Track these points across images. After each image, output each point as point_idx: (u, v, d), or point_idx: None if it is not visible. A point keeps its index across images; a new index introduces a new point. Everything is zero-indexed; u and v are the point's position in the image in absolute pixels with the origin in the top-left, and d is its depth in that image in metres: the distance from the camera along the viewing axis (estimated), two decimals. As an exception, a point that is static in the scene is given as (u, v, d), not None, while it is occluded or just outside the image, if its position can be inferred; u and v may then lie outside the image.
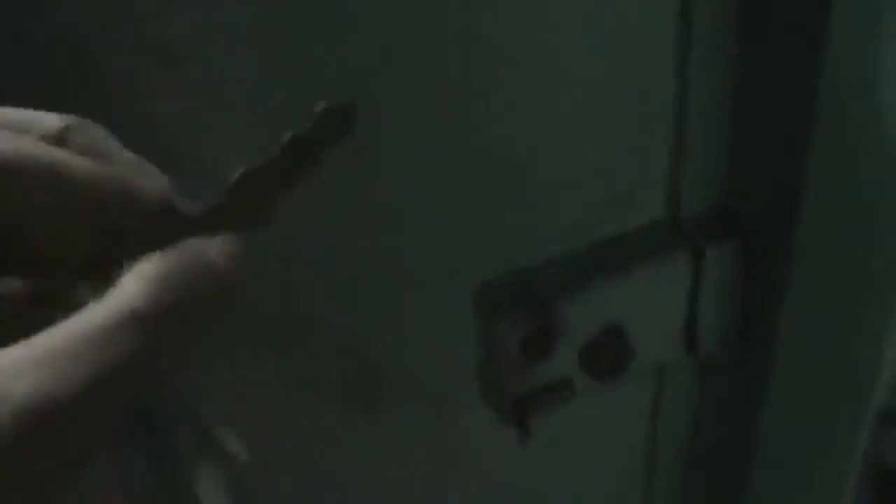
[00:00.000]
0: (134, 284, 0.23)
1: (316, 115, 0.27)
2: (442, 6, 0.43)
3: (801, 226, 0.50)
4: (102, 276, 0.24)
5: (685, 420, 0.62)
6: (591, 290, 0.52)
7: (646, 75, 0.49)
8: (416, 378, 0.58)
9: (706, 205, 0.54)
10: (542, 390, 0.51)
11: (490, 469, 0.61)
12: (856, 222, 0.49)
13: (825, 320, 0.53)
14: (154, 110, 0.41)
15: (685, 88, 0.49)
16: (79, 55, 0.39)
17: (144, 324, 0.22)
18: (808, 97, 0.46)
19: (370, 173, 0.46)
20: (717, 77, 0.49)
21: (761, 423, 0.58)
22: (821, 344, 0.54)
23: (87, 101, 0.37)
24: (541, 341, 0.50)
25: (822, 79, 0.45)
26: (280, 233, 0.28)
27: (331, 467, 0.63)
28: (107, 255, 0.25)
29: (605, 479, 0.64)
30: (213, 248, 0.25)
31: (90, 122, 0.26)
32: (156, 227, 0.26)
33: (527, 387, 0.51)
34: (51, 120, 0.25)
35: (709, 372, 0.61)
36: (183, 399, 0.63)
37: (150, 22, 0.38)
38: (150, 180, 0.27)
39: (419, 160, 0.49)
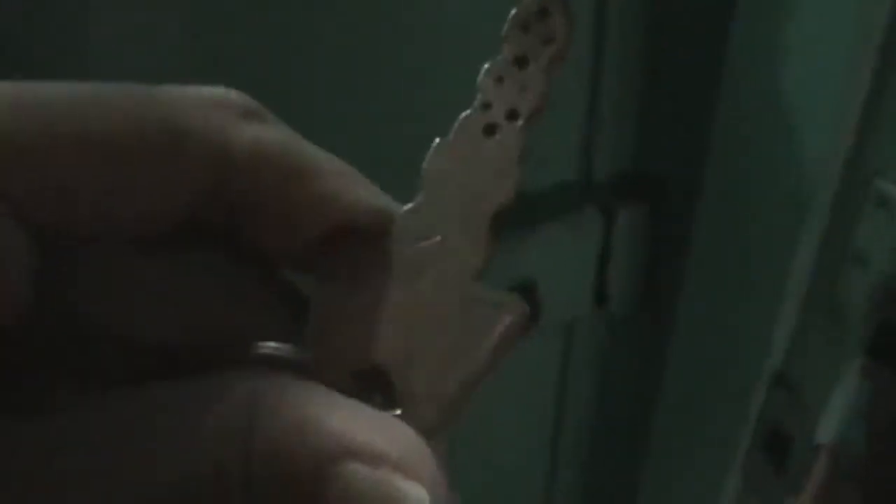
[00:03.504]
0: None
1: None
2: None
3: (705, 189, 0.52)
4: None
5: (593, 372, 0.64)
6: (503, 246, 0.53)
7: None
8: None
9: (618, 167, 0.55)
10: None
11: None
12: (756, 187, 0.50)
13: (726, 280, 0.55)
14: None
15: (600, 56, 0.49)
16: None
17: None
18: (714, 68, 0.47)
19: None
20: (631, 45, 0.49)
21: (665, 377, 0.60)
22: (721, 303, 0.56)
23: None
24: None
25: (728, 52, 0.46)
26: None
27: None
28: None
29: (515, 430, 0.66)
30: None
31: None
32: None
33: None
34: None
35: (616, 327, 0.62)
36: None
37: (67, 19, 0.37)
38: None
39: (333, 150, 0.49)
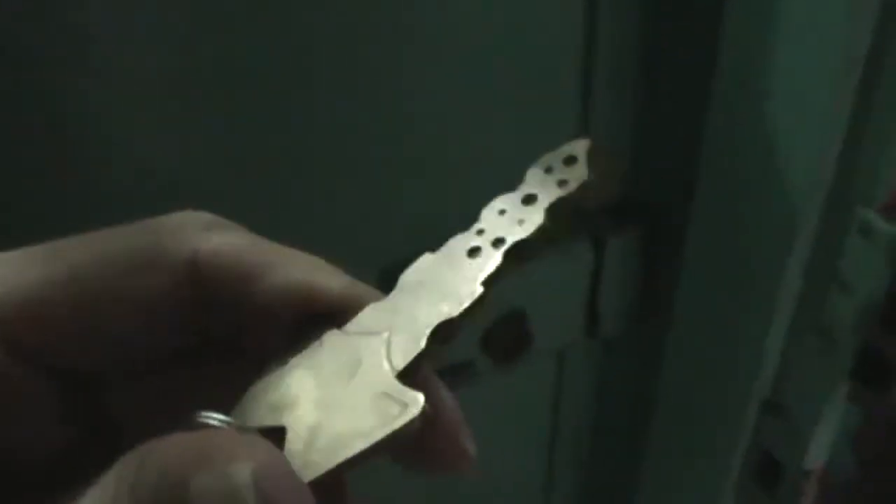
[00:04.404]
0: None
1: None
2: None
3: (694, 216, 0.53)
4: None
5: (586, 396, 0.65)
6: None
7: (554, 75, 0.50)
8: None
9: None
10: (444, 372, 0.53)
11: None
12: (743, 215, 0.51)
13: (716, 305, 0.55)
14: (64, 94, 0.40)
15: (590, 89, 0.50)
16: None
17: None
18: (701, 99, 0.48)
19: (283, 160, 0.47)
20: (621, 80, 0.50)
21: (656, 401, 0.61)
22: (711, 327, 0.56)
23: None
24: (443, 326, 0.51)
25: (715, 84, 0.47)
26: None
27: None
28: None
29: (511, 455, 0.66)
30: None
31: None
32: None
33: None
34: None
35: (608, 352, 0.63)
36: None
37: (67, 19, 0.38)
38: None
39: (331, 148, 0.49)
